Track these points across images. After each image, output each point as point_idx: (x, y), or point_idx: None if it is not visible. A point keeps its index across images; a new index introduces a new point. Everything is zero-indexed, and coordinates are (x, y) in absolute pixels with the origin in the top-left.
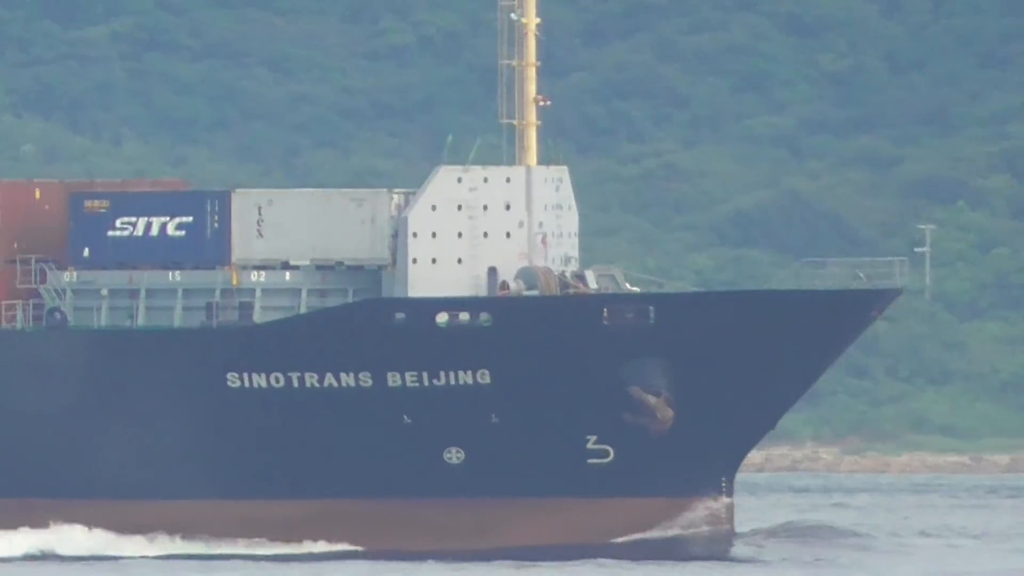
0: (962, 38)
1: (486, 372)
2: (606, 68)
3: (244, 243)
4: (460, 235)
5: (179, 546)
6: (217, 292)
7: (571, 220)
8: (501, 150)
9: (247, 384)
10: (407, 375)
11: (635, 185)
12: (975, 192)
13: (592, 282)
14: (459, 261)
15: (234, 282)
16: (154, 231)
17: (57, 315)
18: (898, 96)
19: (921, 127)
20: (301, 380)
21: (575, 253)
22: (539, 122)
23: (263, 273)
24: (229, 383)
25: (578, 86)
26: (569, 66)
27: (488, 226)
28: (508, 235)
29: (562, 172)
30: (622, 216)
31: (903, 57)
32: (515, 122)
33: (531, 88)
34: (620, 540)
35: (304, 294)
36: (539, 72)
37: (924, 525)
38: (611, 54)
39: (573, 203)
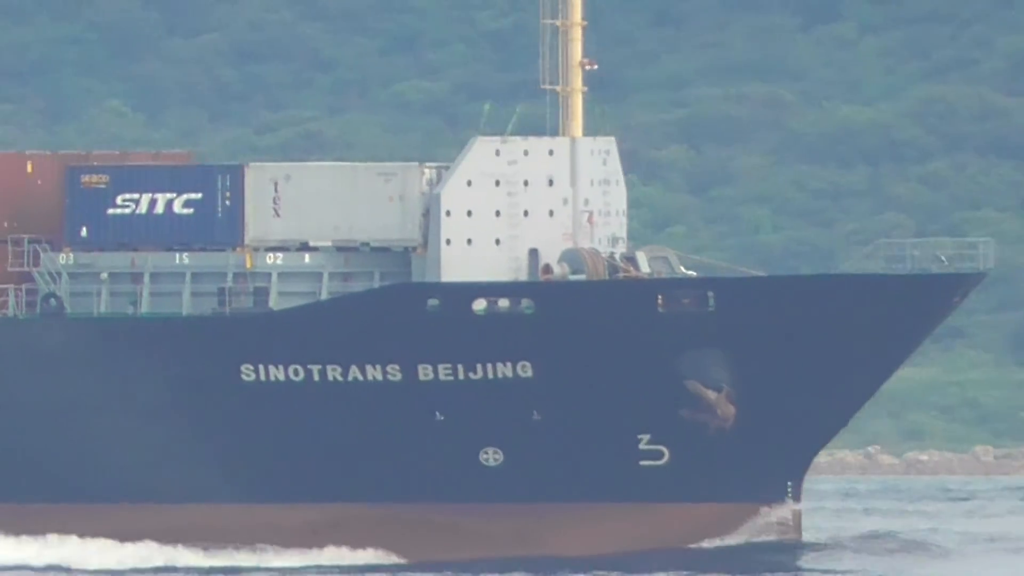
0: None
1: (527, 365)
2: (239, 28)
3: (259, 222)
4: (498, 213)
5: (186, 555)
6: (229, 276)
7: (619, 196)
8: (543, 119)
9: (263, 377)
10: (440, 368)
11: (274, 156)
12: (648, 165)
13: (644, 265)
14: (497, 242)
15: (248, 265)
16: (159, 209)
17: (52, 301)
18: None
19: (589, 91)
20: (323, 373)
21: (623, 233)
22: (585, 88)
23: (280, 255)
24: (243, 376)
25: (209, 48)
26: (199, 26)
27: (529, 203)
28: (551, 213)
29: (610, 143)
30: None
31: None
32: (558, 88)
33: (576, 50)
34: (675, 550)
35: (325, 278)
36: (586, 32)
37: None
38: (245, 12)
39: (621, 178)
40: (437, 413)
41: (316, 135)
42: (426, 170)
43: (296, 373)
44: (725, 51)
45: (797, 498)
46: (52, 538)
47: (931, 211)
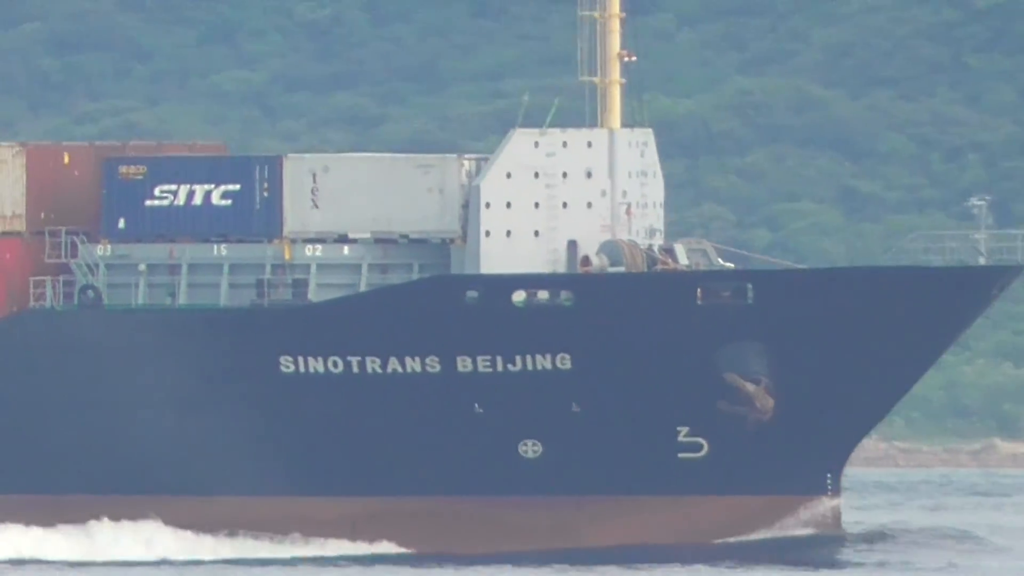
0: None
1: (567, 357)
2: (59, 18)
3: (297, 214)
4: (537, 205)
5: (227, 546)
6: (268, 268)
7: (657, 188)
8: (582, 111)
9: (302, 369)
10: (479, 360)
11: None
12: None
13: (682, 257)
14: (536, 234)
15: (286, 257)
16: (197, 200)
17: (90, 293)
18: (381, 49)
19: (407, 84)
20: (362, 365)
21: (661, 225)
22: (624, 80)
23: (319, 247)
24: (282, 368)
25: (28, 37)
26: (18, 16)
27: (567, 195)
28: (589, 205)
29: (647, 135)
30: None
31: (386, 8)
32: (596, 80)
33: (615, 42)
34: (714, 543)
35: (364, 270)
36: (623, 24)
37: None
38: (64, 2)
39: (659, 169)
40: (476, 405)
41: (135, 125)
42: (465, 162)
43: (335, 365)
44: (542, 43)
45: (836, 491)
46: (92, 527)
47: (749, 203)
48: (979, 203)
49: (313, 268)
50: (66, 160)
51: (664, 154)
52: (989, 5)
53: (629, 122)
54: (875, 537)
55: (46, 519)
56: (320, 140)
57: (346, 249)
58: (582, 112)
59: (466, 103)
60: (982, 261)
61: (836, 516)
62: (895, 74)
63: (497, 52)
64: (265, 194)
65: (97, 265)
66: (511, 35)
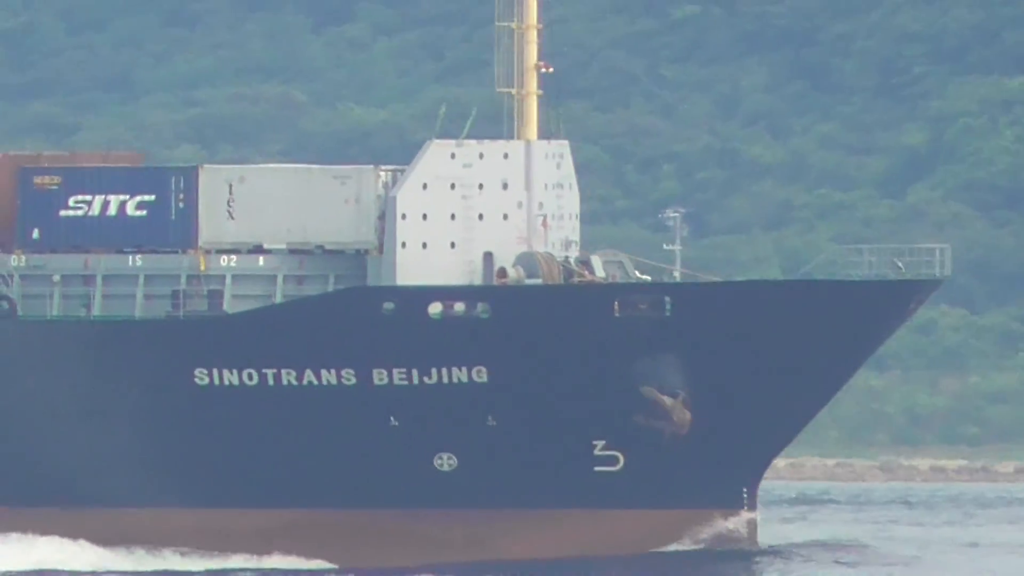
0: None
1: (483, 369)
2: None
3: (213, 224)
4: (453, 217)
5: (138, 560)
6: (183, 279)
7: (572, 200)
8: (500, 122)
9: (217, 381)
10: (395, 372)
11: None
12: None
13: (598, 269)
14: (452, 245)
15: (202, 267)
16: (112, 210)
17: (4, 303)
18: (76, 58)
19: (102, 92)
20: (277, 377)
21: (576, 237)
22: (540, 91)
23: (234, 258)
24: (197, 380)
25: None
26: None
27: (484, 207)
28: (506, 217)
29: (563, 147)
30: None
31: (81, 16)
32: (513, 91)
33: (532, 53)
34: (629, 557)
35: (280, 281)
36: (541, 35)
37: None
38: None
39: (574, 181)
40: (391, 418)
41: None
42: (381, 173)
43: (250, 377)
44: (238, 51)
45: (752, 505)
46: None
47: None
48: (674, 215)
49: (228, 279)
50: None
51: (357, 162)
52: (685, 16)
53: (545, 134)
54: (790, 551)
55: None
56: (15, 149)
57: (261, 260)
58: (497, 121)
59: (160, 112)
60: (900, 275)
61: (752, 530)
62: (590, 85)
63: (191, 61)
64: (180, 204)
65: (11, 275)
66: (206, 44)
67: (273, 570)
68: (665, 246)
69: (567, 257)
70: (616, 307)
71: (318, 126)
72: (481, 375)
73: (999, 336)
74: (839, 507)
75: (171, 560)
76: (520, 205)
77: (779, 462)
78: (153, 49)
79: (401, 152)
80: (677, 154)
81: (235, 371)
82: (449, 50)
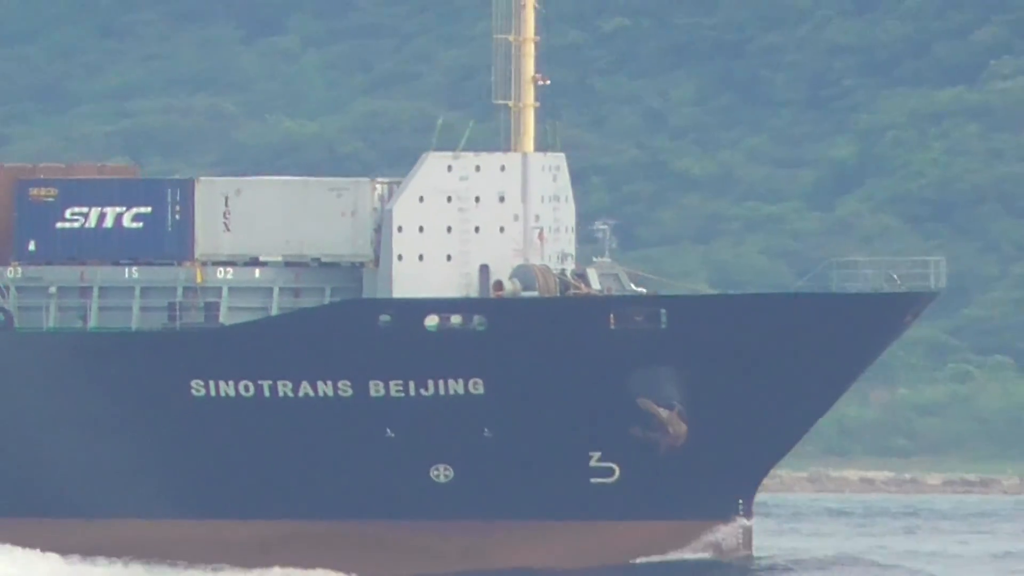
0: (80, 6)
1: (479, 381)
2: None
3: (209, 236)
4: (449, 229)
5: (136, 572)
6: (179, 291)
7: (568, 213)
8: (497, 134)
9: (213, 393)
10: (391, 384)
11: None
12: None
13: (595, 282)
14: (448, 258)
15: (198, 280)
16: (108, 222)
17: (0, 315)
18: (6, 69)
19: (32, 103)
20: (273, 389)
21: (572, 250)
22: (537, 103)
23: (230, 270)
24: (193, 391)
25: None
26: None
27: (480, 219)
28: (502, 229)
29: (560, 160)
30: None
31: (13, 27)
32: (510, 103)
33: (529, 65)
34: (624, 567)
35: (276, 293)
36: (538, 47)
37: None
38: None
39: (570, 194)
40: (388, 429)
41: None
42: (377, 185)
43: (246, 389)
44: (169, 63)
45: (748, 515)
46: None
47: None
48: (603, 227)
49: (225, 291)
50: None
51: (290, 174)
52: (614, 28)
53: (541, 146)
54: (785, 563)
55: None
56: None
57: (258, 272)
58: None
59: (91, 123)
60: (895, 288)
61: (748, 540)
62: None
63: (123, 72)
64: (177, 216)
65: (7, 287)
66: (137, 55)
67: None
68: (594, 259)
69: (563, 270)
70: (612, 319)
71: (248, 138)
72: (477, 387)
73: (928, 349)
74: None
75: (166, 572)
76: (516, 218)
77: None
78: (85, 60)
79: (331, 165)
80: (605, 167)
81: (231, 383)
82: (378, 63)
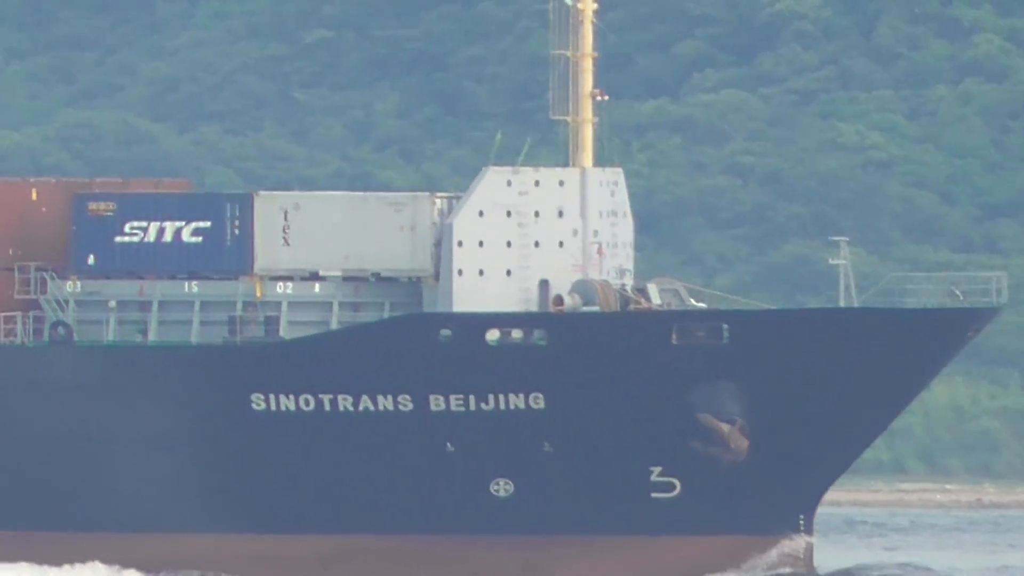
0: None
1: (540, 396)
2: None
3: (268, 251)
4: (509, 244)
5: None
6: (239, 305)
7: (627, 228)
8: (555, 149)
9: (273, 407)
10: (452, 398)
11: None
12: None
13: (655, 297)
14: (508, 273)
15: (258, 294)
16: (167, 237)
17: (61, 329)
18: None
19: None
20: (333, 403)
21: (630, 265)
22: (596, 119)
23: (290, 284)
24: (253, 405)
25: None
26: None
27: (539, 234)
28: (561, 244)
29: (617, 175)
30: None
31: None
32: (568, 118)
33: (587, 81)
34: None
35: (335, 308)
36: (596, 63)
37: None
38: None
39: (628, 209)
40: (448, 444)
41: None
42: (437, 200)
43: (307, 403)
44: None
45: (809, 531)
46: (62, 567)
47: None
48: None
49: (284, 305)
50: (34, 196)
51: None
52: (316, 40)
53: (600, 161)
54: None
55: (11, 556)
56: None
57: (317, 287)
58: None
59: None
60: (957, 303)
61: (809, 556)
62: (222, 108)
63: None
64: (236, 231)
65: (67, 301)
66: None
67: None
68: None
69: (623, 285)
70: (674, 334)
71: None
72: (538, 401)
73: None
74: None
75: None
76: (575, 233)
77: None
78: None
79: (36, 173)
80: (309, 179)
81: (292, 397)
82: (81, 74)
